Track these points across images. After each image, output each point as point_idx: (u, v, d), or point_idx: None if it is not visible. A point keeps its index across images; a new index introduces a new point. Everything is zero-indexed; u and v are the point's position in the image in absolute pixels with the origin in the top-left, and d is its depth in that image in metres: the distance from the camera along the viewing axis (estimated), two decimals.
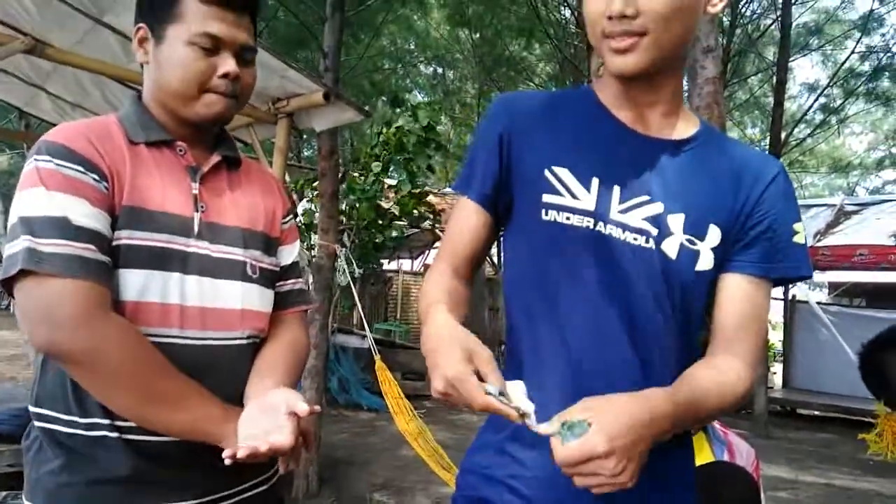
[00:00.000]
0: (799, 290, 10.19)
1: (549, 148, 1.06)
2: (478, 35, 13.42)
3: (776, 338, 12.97)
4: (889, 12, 12.27)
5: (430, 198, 8.68)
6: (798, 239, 1.05)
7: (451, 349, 0.86)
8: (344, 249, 5.20)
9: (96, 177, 1.04)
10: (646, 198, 1.01)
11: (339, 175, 5.38)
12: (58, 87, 4.09)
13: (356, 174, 7.71)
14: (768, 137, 9.52)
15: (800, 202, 1.18)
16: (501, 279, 1.23)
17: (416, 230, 9.19)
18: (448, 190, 12.77)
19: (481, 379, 0.85)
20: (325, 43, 4.88)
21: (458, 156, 18.01)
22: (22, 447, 1.14)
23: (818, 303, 10.13)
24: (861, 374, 2.02)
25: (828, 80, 12.94)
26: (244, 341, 1.18)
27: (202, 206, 1.15)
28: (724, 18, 9.39)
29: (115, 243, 1.05)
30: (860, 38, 11.99)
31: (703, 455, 1.83)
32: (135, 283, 1.06)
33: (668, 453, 0.99)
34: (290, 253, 1.32)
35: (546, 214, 1.03)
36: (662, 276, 1.00)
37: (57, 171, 1.01)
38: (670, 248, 1.00)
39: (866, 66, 12.49)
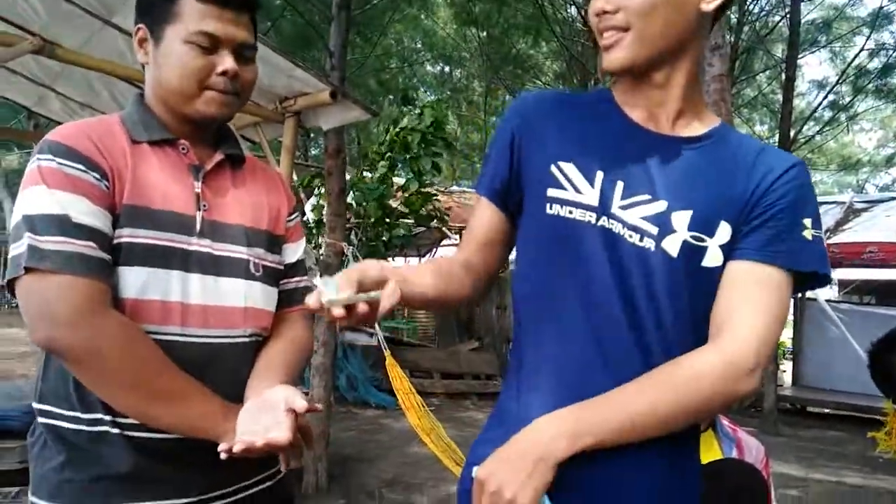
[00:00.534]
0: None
1: (556, 144, 1.07)
2: (485, 33, 13.42)
3: (786, 335, 12.91)
4: None
5: (438, 196, 8.69)
6: (807, 233, 0.99)
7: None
8: (351, 248, 5.20)
9: (97, 175, 1.05)
10: (647, 196, 1.00)
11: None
12: (66, 87, 4.11)
13: (363, 171, 7.73)
14: (777, 135, 9.46)
15: None
16: (508, 277, 1.24)
17: (424, 228, 9.18)
18: (455, 188, 12.78)
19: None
20: (332, 42, 4.88)
21: (464, 154, 18.02)
22: (27, 443, 1.15)
23: (828, 300, 10.07)
24: (870, 372, 2.01)
25: (837, 77, 12.85)
26: (247, 339, 1.18)
27: (204, 205, 1.15)
28: (732, 16, 9.34)
29: (116, 241, 1.05)
30: (869, 34, 11.92)
31: (712, 452, 1.83)
32: (135, 281, 1.06)
33: (671, 451, 0.99)
34: (294, 251, 1.33)
35: (550, 208, 1.03)
36: (661, 273, 0.98)
37: (58, 170, 1.02)
38: (671, 245, 0.98)
39: (876, 63, 12.40)
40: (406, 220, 8.00)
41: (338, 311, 0.85)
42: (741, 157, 1.04)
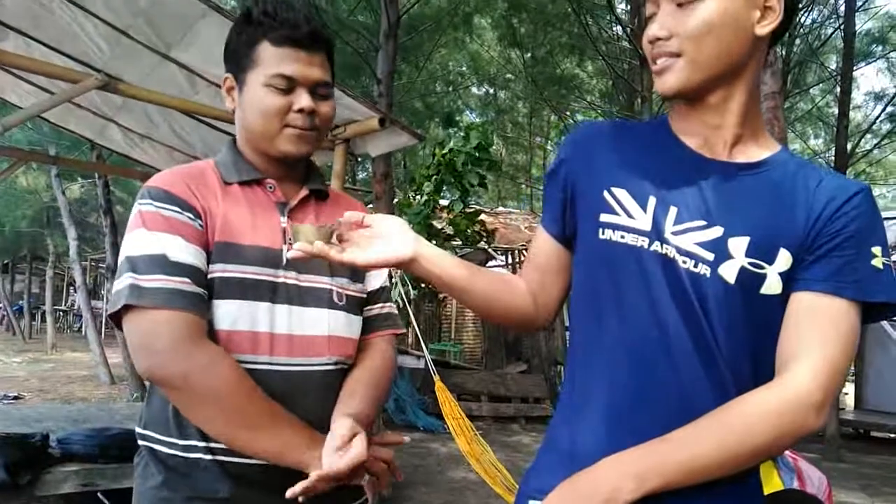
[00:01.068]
0: None
1: (609, 171, 1.07)
2: (529, 55, 13.46)
3: None
4: None
5: (483, 217, 8.69)
6: (877, 262, 0.95)
7: None
8: (399, 270, 5.25)
9: (191, 215, 1.14)
10: (702, 222, 0.99)
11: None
12: (127, 119, 4.28)
13: (410, 194, 7.80)
14: (833, 149, 9.20)
15: None
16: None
17: (470, 249, 9.19)
18: (501, 209, 12.77)
19: None
20: (379, 70, 4.99)
21: (510, 175, 18.01)
22: (133, 464, 1.24)
23: (890, 321, 9.66)
24: None
25: (895, 88, 12.44)
26: (331, 367, 1.23)
27: (290, 239, 1.21)
28: None
29: (210, 276, 1.14)
30: None
31: (772, 484, 1.77)
32: (228, 313, 1.14)
33: (736, 486, 0.96)
34: (377, 277, 1.37)
35: (602, 233, 1.04)
36: (716, 300, 0.96)
37: (157, 213, 1.12)
38: (728, 272, 0.96)
39: None
40: (452, 242, 8.03)
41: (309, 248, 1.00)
42: (801, 183, 1.01)
